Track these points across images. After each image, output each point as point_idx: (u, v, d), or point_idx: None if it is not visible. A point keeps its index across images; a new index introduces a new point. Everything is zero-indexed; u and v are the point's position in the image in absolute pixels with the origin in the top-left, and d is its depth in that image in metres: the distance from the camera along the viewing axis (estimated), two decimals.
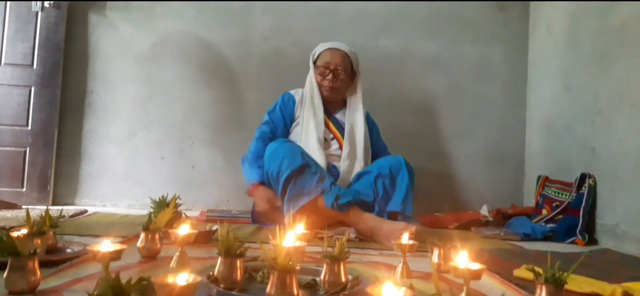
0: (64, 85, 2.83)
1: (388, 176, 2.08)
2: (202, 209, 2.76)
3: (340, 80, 2.32)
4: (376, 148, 2.45)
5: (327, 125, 2.34)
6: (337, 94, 2.36)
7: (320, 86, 2.35)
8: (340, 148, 2.30)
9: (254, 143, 2.28)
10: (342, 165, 2.22)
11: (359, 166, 2.23)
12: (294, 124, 2.37)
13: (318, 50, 2.40)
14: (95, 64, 2.87)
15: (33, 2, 2.73)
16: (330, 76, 2.31)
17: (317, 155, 2.17)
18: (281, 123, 2.35)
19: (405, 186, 2.05)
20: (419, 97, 2.97)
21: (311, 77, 2.38)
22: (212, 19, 2.92)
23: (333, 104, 2.40)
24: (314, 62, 2.39)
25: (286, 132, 2.35)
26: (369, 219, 1.94)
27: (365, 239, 1.91)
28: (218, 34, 2.92)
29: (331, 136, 2.34)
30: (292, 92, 2.43)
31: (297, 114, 2.37)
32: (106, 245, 1.02)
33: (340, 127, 2.36)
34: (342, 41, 2.92)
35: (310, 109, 2.31)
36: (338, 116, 2.40)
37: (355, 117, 2.35)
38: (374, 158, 2.35)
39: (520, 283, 1.21)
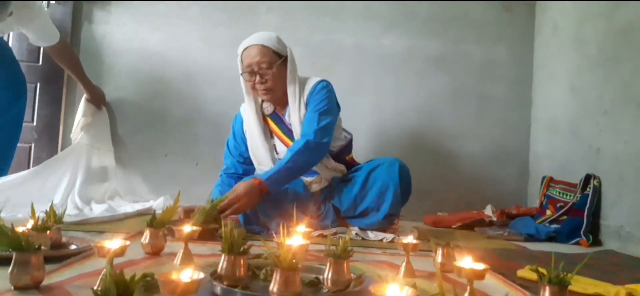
0: (69, 82, 2.84)
1: (376, 194, 1.96)
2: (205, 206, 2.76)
3: (270, 77, 1.98)
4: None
5: (277, 136, 2.09)
6: (275, 94, 2.03)
7: (253, 93, 2.07)
8: None
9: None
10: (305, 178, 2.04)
11: (327, 173, 2.07)
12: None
13: (239, 52, 2.07)
14: (99, 61, 2.87)
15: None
16: (257, 79, 1.98)
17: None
18: (238, 150, 2.14)
19: (389, 203, 1.94)
20: (423, 96, 2.96)
21: (245, 89, 2.09)
22: (217, 16, 2.92)
23: (279, 103, 2.10)
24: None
25: (247, 154, 2.13)
26: None
27: None
28: (222, 31, 2.92)
29: (284, 147, 2.06)
30: (241, 109, 2.19)
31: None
32: (110, 241, 1.02)
33: (291, 131, 2.07)
34: (346, 40, 2.92)
35: (248, 131, 2.10)
36: (287, 117, 2.10)
37: (294, 119, 2.03)
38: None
39: (524, 284, 1.21)
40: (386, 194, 1.95)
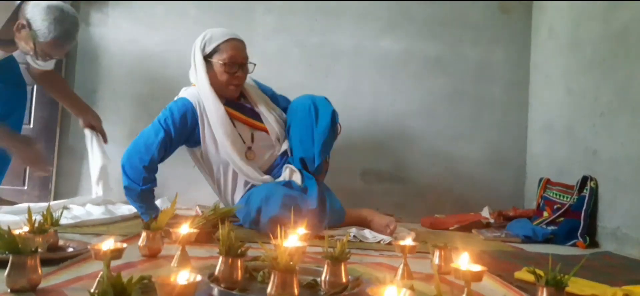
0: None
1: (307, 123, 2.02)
2: (202, 209, 2.75)
3: (246, 73, 2.08)
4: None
5: (241, 120, 2.09)
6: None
7: (226, 85, 2.02)
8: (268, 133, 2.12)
9: (138, 158, 1.93)
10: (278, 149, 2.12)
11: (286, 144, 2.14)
12: (197, 146, 2.10)
13: (214, 41, 2.01)
14: (97, 62, 2.86)
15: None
16: (240, 73, 2.02)
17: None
18: (183, 137, 2.06)
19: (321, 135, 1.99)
20: (420, 98, 2.97)
21: (207, 78, 2.00)
22: (214, 18, 2.92)
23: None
24: (209, 57, 2.02)
25: (174, 145, 2.06)
26: (362, 211, 2.09)
27: (359, 226, 2.03)
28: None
29: (248, 129, 2.09)
30: (190, 99, 2.04)
31: (203, 133, 2.04)
32: (107, 244, 1.02)
33: (255, 114, 2.13)
34: (344, 41, 2.92)
35: (217, 126, 2.01)
36: (244, 101, 2.17)
37: (261, 104, 2.15)
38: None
39: (521, 286, 1.21)
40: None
